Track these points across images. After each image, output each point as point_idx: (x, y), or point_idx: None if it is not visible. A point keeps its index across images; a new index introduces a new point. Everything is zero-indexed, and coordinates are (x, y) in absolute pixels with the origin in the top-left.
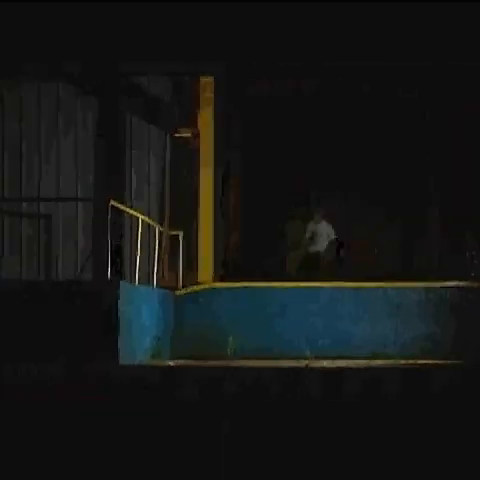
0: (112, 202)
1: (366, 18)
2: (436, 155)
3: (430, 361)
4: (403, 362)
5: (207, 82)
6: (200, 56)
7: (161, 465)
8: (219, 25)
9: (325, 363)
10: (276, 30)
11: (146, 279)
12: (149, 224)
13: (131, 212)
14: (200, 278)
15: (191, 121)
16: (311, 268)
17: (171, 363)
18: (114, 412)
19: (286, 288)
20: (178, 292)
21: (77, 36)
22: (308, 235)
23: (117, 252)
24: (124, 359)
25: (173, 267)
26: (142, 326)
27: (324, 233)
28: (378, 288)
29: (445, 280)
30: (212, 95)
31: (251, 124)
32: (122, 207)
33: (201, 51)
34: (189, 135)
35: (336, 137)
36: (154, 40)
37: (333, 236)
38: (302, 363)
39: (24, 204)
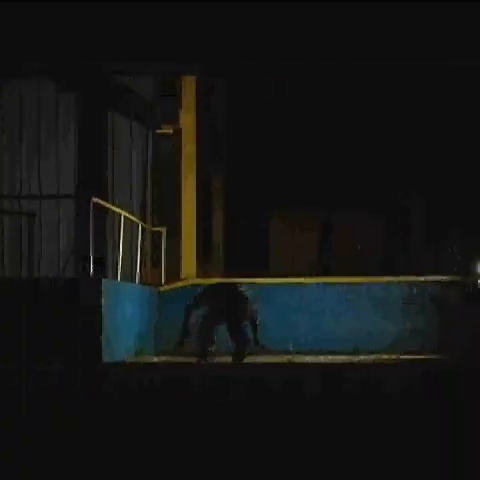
0: (94, 199)
1: (363, 18)
2: (420, 152)
3: (413, 356)
4: (386, 357)
5: (190, 79)
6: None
7: (147, 468)
8: (202, 25)
9: (307, 358)
10: (270, 30)
11: (129, 276)
12: (132, 220)
13: (113, 209)
14: (183, 274)
15: (174, 117)
16: None
17: (155, 359)
18: (98, 411)
19: (268, 284)
20: (161, 288)
21: (60, 34)
22: None
23: (100, 249)
24: (108, 357)
25: (156, 263)
26: (125, 323)
27: None
28: (361, 283)
29: (428, 275)
30: (195, 92)
31: (235, 120)
32: (104, 204)
33: (185, 51)
34: (171, 131)
35: (319, 136)
36: (138, 39)
37: None
38: (285, 358)
39: (6, 201)
